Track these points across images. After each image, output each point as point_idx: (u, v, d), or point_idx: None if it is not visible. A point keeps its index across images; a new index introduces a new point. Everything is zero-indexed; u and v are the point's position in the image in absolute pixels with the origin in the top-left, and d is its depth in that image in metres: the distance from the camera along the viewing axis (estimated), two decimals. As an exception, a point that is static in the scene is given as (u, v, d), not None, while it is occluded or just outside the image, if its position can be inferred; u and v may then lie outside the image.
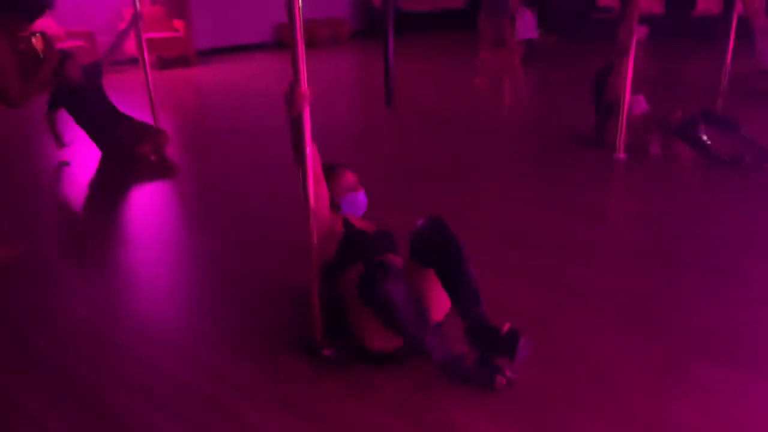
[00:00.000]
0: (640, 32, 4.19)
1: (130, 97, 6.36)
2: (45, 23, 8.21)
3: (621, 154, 4.35)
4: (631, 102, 4.30)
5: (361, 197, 2.49)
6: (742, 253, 2.95)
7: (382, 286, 1.87)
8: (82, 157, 4.85)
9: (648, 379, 2.03)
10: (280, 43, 11.23)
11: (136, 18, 4.94)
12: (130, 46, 7.51)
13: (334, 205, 2.39)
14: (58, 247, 3.41)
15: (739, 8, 6.34)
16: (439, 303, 2.13)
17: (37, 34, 3.23)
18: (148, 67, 5.11)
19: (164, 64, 9.32)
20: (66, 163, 4.76)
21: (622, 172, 4.25)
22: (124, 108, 4.99)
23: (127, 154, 4.77)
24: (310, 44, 11.46)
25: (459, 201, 3.72)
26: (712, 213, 3.50)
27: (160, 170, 4.65)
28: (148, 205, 4.02)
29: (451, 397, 1.96)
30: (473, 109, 6.39)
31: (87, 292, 2.81)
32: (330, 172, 2.40)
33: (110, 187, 4.43)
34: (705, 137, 4.22)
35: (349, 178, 2.47)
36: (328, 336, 2.19)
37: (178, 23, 9.49)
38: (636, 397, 1.95)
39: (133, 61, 8.33)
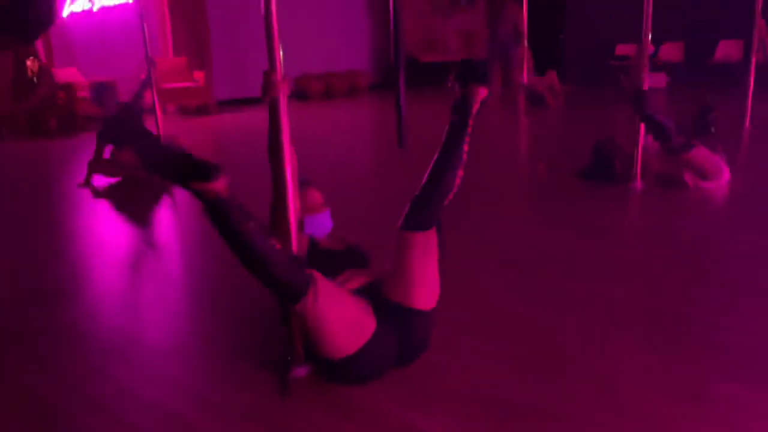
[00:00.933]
0: (656, 81, 4.15)
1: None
2: (69, 72, 8.49)
3: (637, 183, 4.19)
4: (646, 141, 4.25)
5: (326, 218, 2.32)
6: (760, 269, 2.76)
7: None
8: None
9: (665, 397, 1.81)
10: (301, 94, 11.45)
11: (149, 66, 5.30)
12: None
13: (299, 224, 2.24)
14: (46, 265, 3.32)
15: (759, 56, 6.40)
16: (429, 289, 2.02)
17: (32, 58, 3.25)
18: (158, 112, 5.25)
19: (185, 112, 9.51)
20: (86, 185, 4.99)
21: (635, 197, 4.09)
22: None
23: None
24: (327, 95, 11.71)
25: (467, 222, 3.59)
26: (728, 229, 3.38)
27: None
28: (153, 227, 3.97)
29: (441, 418, 1.77)
30: (483, 146, 6.30)
31: (72, 311, 2.69)
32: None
33: (120, 208, 4.47)
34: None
35: (316, 197, 2.30)
36: (306, 355, 2.01)
37: (198, 74, 9.73)
38: (652, 415, 1.72)
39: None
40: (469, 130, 2.09)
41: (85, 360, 2.23)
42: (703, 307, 2.43)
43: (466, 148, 2.07)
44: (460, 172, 2.04)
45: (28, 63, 3.35)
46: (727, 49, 10.21)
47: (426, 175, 2.05)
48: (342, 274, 2.10)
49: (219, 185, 1.67)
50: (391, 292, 1.99)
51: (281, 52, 1.90)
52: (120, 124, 5.04)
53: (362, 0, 13.02)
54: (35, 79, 3.24)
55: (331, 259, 2.16)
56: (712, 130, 4.86)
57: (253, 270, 1.79)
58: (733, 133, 5.82)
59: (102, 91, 5.23)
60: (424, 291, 2.01)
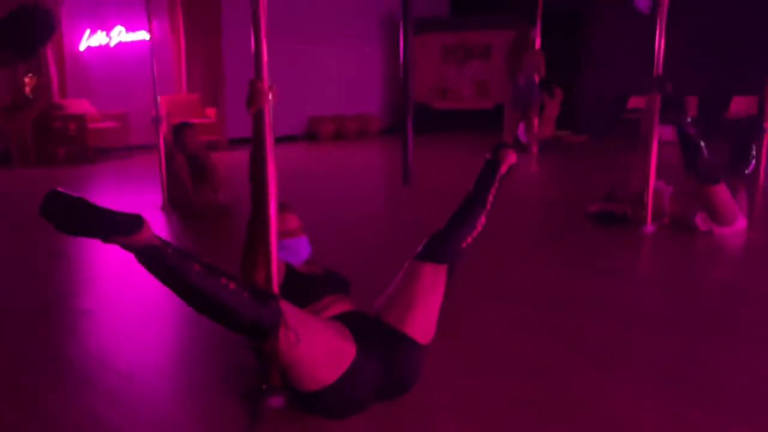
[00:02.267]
0: (665, 134, 4.03)
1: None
2: (82, 104, 8.55)
3: (648, 227, 4.03)
4: (656, 190, 4.13)
5: (303, 243, 2.16)
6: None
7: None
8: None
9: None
10: (313, 135, 11.49)
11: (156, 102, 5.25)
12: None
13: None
14: (58, 292, 3.18)
15: None
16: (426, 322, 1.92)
17: (31, 75, 3.18)
18: (162, 147, 5.11)
19: (194, 148, 9.51)
20: None
21: (649, 240, 3.93)
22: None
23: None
24: (338, 137, 11.74)
25: (478, 260, 3.41)
26: (744, 275, 3.23)
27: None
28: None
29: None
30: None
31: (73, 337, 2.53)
32: None
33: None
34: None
35: (293, 221, 2.15)
36: (282, 385, 1.82)
37: (211, 111, 9.78)
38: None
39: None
40: (496, 184, 2.24)
41: (56, 389, 2.06)
42: (724, 353, 2.24)
43: (491, 198, 2.21)
44: (483, 219, 2.18)
45: (26, 80, 3.29)
46: (740, 105, 10.16)
47: (451, 215, 2.21)
48: (322, 300, 1.94)
49: (143, 236, 1.53)
50: (385, 312, 1.89)
51: (266, 62, 1.79)
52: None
53: (377, 48, 13.21)
54: (32, 96, 3.16)
55: (309, 285, 1.99)
56: (748, 170, 4.44)
57: (211, 316, 1.63)
58: (749, 183, 5.66)
59: (181, 131, 5.13)
60: (421, 321, 1.90)
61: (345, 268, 2.25)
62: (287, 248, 2.06)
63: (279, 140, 13.07)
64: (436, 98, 13.08)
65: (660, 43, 4.01)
